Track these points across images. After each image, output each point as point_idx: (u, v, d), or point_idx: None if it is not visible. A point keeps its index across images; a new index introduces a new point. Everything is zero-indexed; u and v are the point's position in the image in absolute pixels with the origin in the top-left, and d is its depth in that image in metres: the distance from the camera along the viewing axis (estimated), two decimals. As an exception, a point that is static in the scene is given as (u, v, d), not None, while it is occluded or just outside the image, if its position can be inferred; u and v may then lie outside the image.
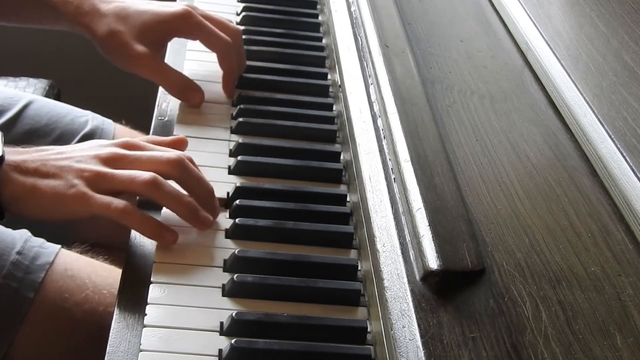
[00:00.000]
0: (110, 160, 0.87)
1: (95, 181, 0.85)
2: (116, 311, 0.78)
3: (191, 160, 0.89)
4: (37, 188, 0.84)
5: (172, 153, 0.88)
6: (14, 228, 0.99)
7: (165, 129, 1.04)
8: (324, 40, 1.23)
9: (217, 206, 0.89)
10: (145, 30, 1.06)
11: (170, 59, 1.16)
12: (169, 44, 1.17)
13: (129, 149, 0.89)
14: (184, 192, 0.87)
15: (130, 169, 0.86)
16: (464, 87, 0.93)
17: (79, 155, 0.87)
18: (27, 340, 0.94)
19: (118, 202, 0.83)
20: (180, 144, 0.93)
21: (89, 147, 0.90)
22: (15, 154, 0.87)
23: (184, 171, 0.87)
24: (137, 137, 1.30)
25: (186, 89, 1.06)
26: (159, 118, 1.06)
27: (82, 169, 0.85)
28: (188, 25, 1.08)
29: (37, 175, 0.85)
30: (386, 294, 0.70)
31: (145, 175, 0.85)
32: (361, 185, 0.85)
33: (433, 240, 0.70)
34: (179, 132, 1.01)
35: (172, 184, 0.87)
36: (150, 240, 0.86)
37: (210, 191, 0.89)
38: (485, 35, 1.04)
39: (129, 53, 1.05)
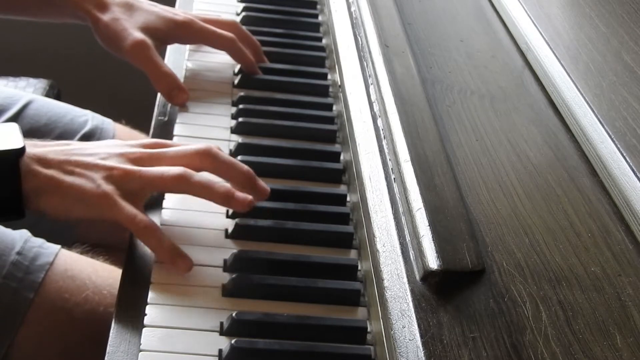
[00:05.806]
0: (139, 160, 0.85)
1: (124, 180, 0.82)
2: (116, 311, 0.78)
3: (218, 148, 0.87)
4: (63, 183, 0.81)
5: (199, 144, 0.86)
6: (14, 228, 0.99)
7: (165, 129, 1.04)
8: (324, 40, 1.23)
9: (260, 185, 0.87)
10: (148, 26, 1.06)
11: (170, 59, 1.16)
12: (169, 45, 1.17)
13: (154, 148, 0.88)
14: (217, 178, 0.86)
15: (158, 166, 0.85)
16: (464, 87, 0.93)
17: (104, 152, 0.85)
18: (27, 340, 0.94)
19: (142, 217, 0.81)
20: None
21: (114, 144, 0.88)
22: (35, 147, 0.84)
23: (214, 160, 0.86)
24: (137, 137, 1.31)
25: (174, 87, 1.05)
26: (159, 118, 1.06)
27: (111, 167, 0.83)
28: (192, 32, 1.09)
29: (61, 169, 0.82)
30: (386, 294, 0.70)
31: (174, 169, 0.83)
32: (361, 185, 0.85)
33: (433, 240, 0.70)
34: (179, 132, 1.00)
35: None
36: (150, 241, 0.86)
37: (246, 173, 0.87)
38: (485, 35, 1.04)
39: (127, 37, 1.04)
